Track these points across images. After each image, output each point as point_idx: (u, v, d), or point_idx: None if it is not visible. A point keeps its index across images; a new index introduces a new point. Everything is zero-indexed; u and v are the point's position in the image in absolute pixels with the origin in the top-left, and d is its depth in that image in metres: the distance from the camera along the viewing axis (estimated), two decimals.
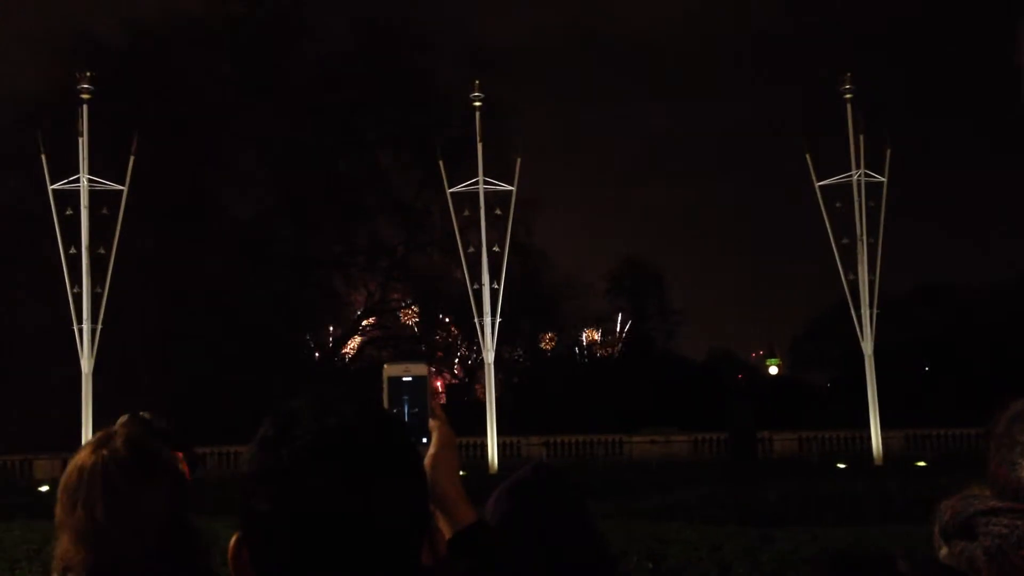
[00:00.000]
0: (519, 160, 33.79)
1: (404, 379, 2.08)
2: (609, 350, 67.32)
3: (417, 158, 51.95)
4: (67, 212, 30.70)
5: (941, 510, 1.05)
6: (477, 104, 33.72)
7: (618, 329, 71.21)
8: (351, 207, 53.78)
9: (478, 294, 33.90)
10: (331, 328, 60.04)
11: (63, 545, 2.41)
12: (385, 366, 2.11)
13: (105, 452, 2.48)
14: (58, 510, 2.44)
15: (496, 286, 33.95)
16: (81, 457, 2.50)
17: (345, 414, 1.30)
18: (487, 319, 33.47)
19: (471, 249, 34.24)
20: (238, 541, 1.29)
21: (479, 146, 33.27)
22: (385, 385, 2.07)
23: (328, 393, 1.36)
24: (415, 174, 53.80)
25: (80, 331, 30.55)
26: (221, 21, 51.27)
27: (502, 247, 33.76)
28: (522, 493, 2.65)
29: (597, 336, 70.43)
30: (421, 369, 2.11)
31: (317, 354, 57.70)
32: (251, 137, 50.08)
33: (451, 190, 33.73)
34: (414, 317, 61.17)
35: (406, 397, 2.07)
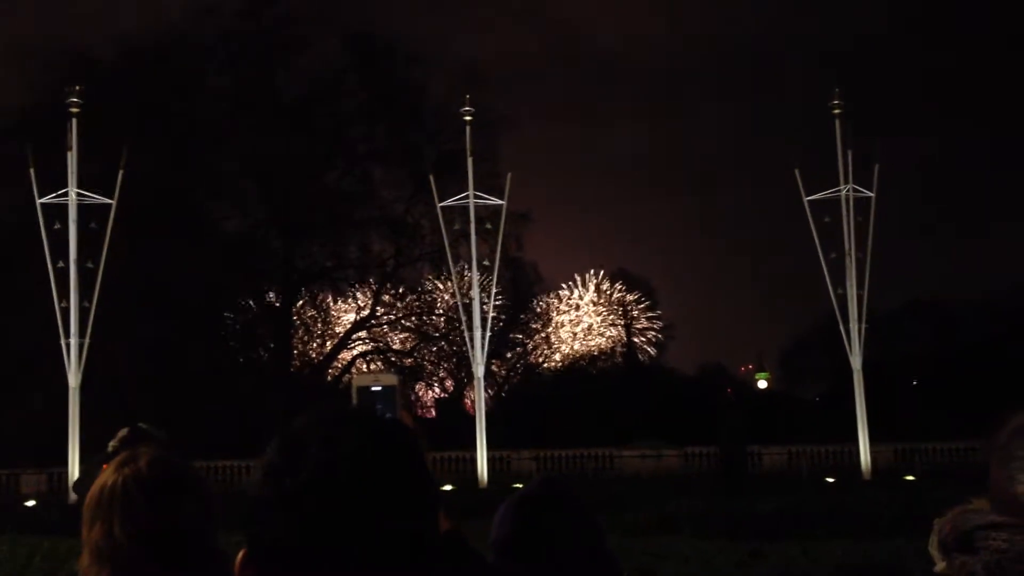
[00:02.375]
0: (509, 174, 33.90)
1: (373, 389, 2.10)
2: (601, 364, 67.28)
3: (408, 172, 52.00)
4: (56, 226, 30.62)
5: (940, 524, 1.05)
6: (467, 118, 33.81)
7: (611, 344, 71.23)
8: (341, 221, 53.75)
9: (468, 308, 33.91)
10: (321, 342, 59.94)
11: (84, 562, 2.44)
12: (355, 376, 2.13)
13: (128, 471, 2.50)
14: (84, 527, 2.46)
15: (486, 300, 33.98)
16: (106, 476, 2.52)
17: (351, 437, 1.27)
18: (477, 332, 33.46)
19: (461, 263, 34.28)
20: (245, 558, 1.27)
21: (469, 160, 33.33)
22: (355, 395, 2.09)
23: (331, 410, 1.34)
24: (406, 188, 53.84)
25: (68, 345, 30.43)
26: (212, 35, 51.32)
27: (492, 261, 33.83)
28: (531, 507, 2.64)
29: (587, 349, 70.42)
30: (391, 379, 2.13)
31: (307, 368, 57.55)
32: (241, 150, 50.05)
33: (441, 204, 33.77)
34: (404, 331, 61.09)
35: (379, 406, 2.08)
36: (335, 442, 1.26)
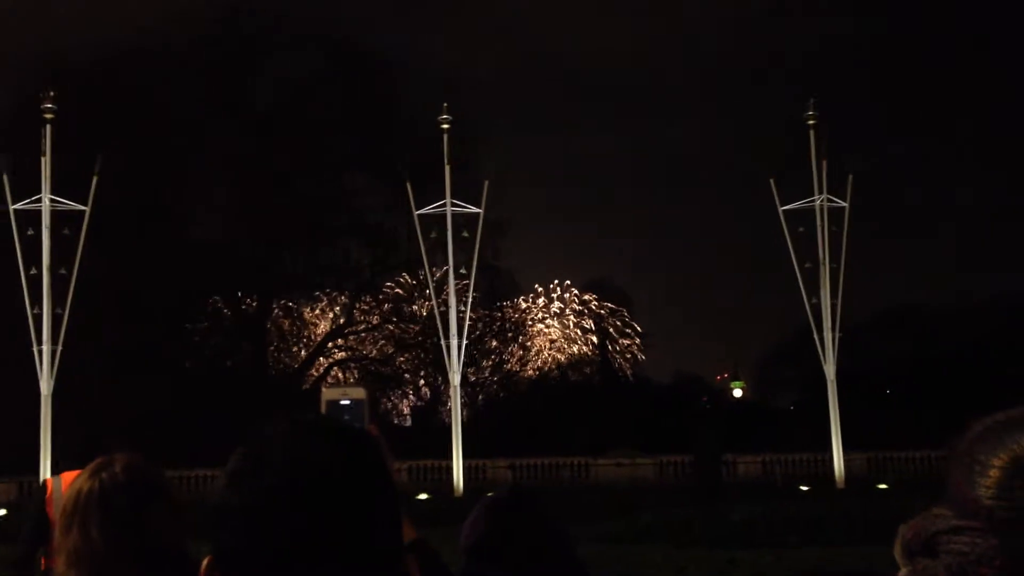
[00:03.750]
0: (487, 183, 33.86)
1: (342, 402, 2.12)
2: (576, 373, 67.37)
3: (385, 180, 51.90)
4: (29, 232, 30.37)
5: (903, 529, 1.07)
6: (445, 126, 33.79)
7: (585, 351, 71.36)
8: (318, 228, 53.63)
9: (445, 316, 33.88)
10: (297, 350, 59.73)
11: (59, 568, 2.44)
12: (324, 390, 2.14)
13: (104, 476, 2.50)
14: (57, 533, 2.47)
15: (463, 308, 33.95)
16: (80, 481, 2.52)
17: (317, 445, 1.27)
18: (453, 341, 33.42)
19: (438, 271, 34.22)
20: (209, 566, 1.27)
21: (447, 168, 33.31)
22: (324, 408, 2.10)
23: (299, 418, 1.33)
24: (383, 196, 53.74)
25: (40, 352, 30.16)
26: (187, 42, 51.10)
27: (469, 269, 33.78)
28: (500, 514, 2.66)
29: (563, 358, 70.54)
30: (359, 393, 2.14)
31: (282, 376, 57.29)
32: (217, 158, 49.83)
33: (418, 212, 33.72)
34: (380, 339, 60.95)
35: (346, 419, 2.09)
36: (300, 449, 1.26)
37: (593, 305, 72.47)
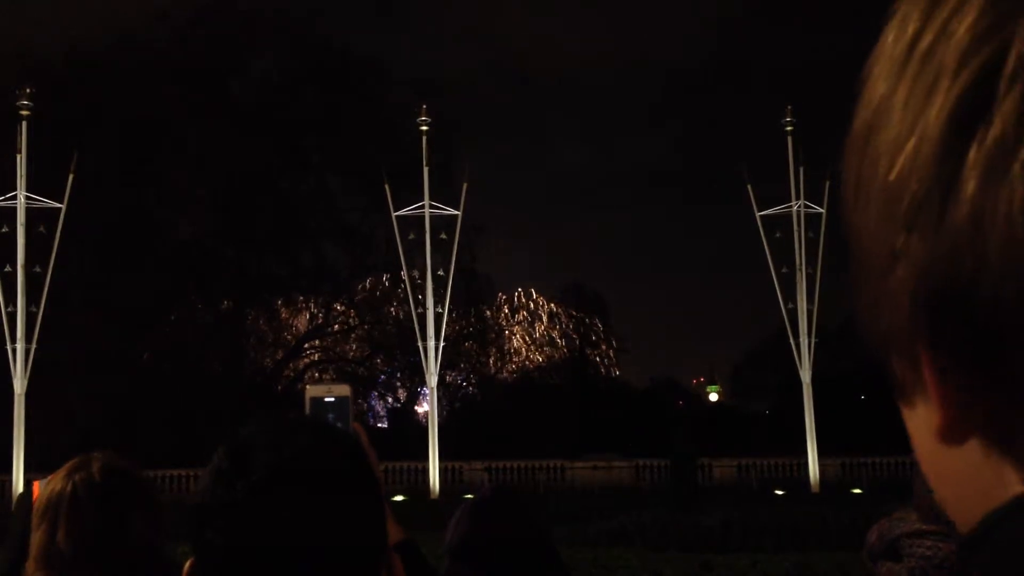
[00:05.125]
0: (465, 185, 33.89)
1: (327, 399, 2.12)
2: (553, 376, 67.45)
3: (363, 181, 51.80)
4: (3, 229, 30.15)
5: (869, 533, 1.09)
6: (424, 128, 33.78)
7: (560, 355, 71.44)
8: (295, 229, 53.43)
9: (422, 318, 33.84)
10: (273, 350, 59.45)
11: (29, 568, 2.42)
12: (308, 387, 2.14)
13: (78, 477, 2.47)
14: (32, 532, 2.45)
15: (440, 310, 33.92)
16: (55, 481, 2.50)
17: (300, 443, 1.28)
18: (431, 343, 33.39)
19: (416, 273, 34.18)
20: (192, 567, 1.27)
21: (425, 170, 33.29)
22: (308, 406, 2.10)
23: (282, 416, 1.34)
24: (360, 197, 53.62)
25: (14, 351, 29.92)
26: (165, 39, 50.80)
27: (447, 271, 33.76)
28: (482, 513, 2.68)
29: (541, 360, 70.61)
30: (344, 390, 2.15)
31: (258, 377, 57.02)
32: (194, 157, 49.57)
33: (396, 213, 33.69)
34: (357, 340, 60.80)
35: (330, 416, 2.09)
36: (283, 447, 1.26)
37: (571, 311, 72.57)
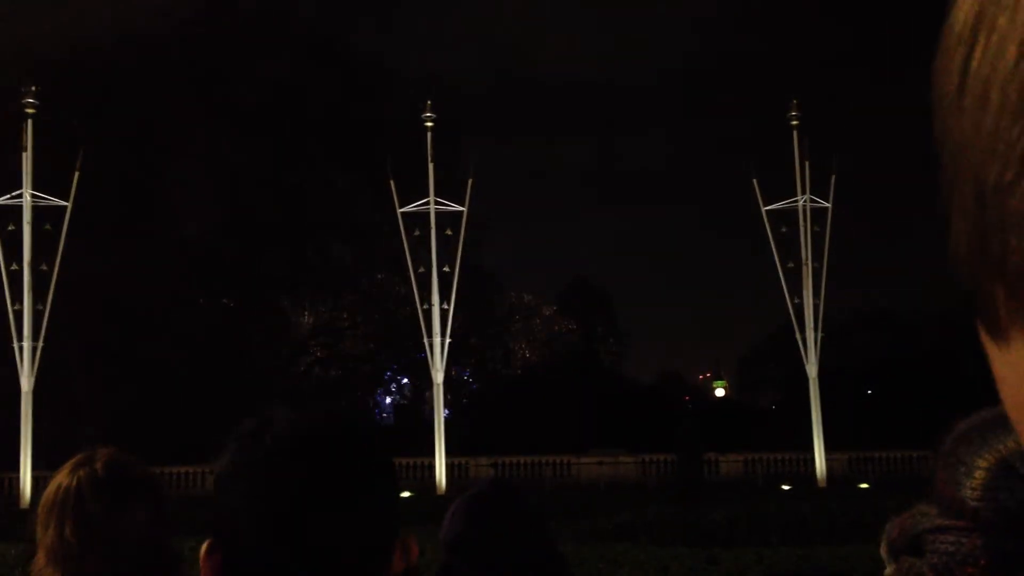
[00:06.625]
0: (470, 181, 33.85)
1: None
2: (559, 372, 67.46)
3: (369, 178, 51.80)
4: (9, 228, 30.21)
5: (889, 527, 1.08)
6: (429, 124, 33.76)
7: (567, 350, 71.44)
8: (301, 226, 53.46)
9: (428, 314, 33.83)
10: (279, 347, 59.50)
11: (38, 563, 2.43)
12: None
13: (83, 472, 2.48)
14: (37, 528, 2.46)
15: (446, 306, 33.90)
16: (60, 476, 2.50)
17: (318, 416, 1.34)
18: (436, 339, 33.39)
19: (421, 269, 34.17)
20: (211, 544, 1.29)
21: (430, 166, 33.28)
22: None
23: (298, 403, 1.38)
24: (366, 194, 53.61)
25: (20, 349, 29.98)
26: (172, 37, 50.83)
27: (452, 267, 33.74)
28: (480, 508, 2.66)
29: (546, 356, 70.60)
30: None
31: (264, 374, 57.08)
32: (200, 154, 49.61)
33: (402, 210, 33.68)
34: (363, 337, 60.84)
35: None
36: (302, 418, 1.32)
37: (575, 305, 72.53)
